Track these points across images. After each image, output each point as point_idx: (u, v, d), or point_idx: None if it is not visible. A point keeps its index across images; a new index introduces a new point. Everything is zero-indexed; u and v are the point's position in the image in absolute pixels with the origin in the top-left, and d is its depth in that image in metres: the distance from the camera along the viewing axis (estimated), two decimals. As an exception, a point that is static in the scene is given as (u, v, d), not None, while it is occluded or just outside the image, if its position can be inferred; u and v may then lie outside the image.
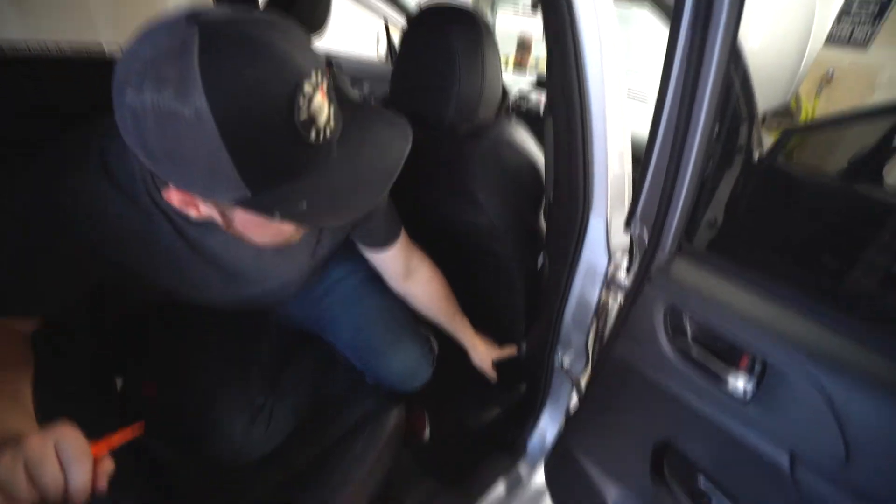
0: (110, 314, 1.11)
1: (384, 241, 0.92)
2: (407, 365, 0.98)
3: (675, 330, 0.63)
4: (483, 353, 1.14)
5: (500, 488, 1.14)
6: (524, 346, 1.28)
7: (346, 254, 1.07)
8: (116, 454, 0.53)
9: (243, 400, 0.89)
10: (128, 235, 0.65)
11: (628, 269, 0.92)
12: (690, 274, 0.63)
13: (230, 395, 0.89)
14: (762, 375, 0.55)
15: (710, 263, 0.63)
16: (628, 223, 0.77)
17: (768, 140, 0.96)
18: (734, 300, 0.58)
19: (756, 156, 0.92)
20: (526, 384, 1.25)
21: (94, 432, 0.50)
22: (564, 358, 1.06)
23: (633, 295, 0.69)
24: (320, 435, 0.96)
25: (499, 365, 1.43)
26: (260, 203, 0.50)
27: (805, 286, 0.56)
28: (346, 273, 1.06)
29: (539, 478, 1.24)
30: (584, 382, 1.03)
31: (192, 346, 0.99)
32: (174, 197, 0.55)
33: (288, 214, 0.51)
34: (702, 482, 0.64)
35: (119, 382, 1.08)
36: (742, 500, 0.61)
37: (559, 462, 0.99)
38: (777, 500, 0.58)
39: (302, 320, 1.06)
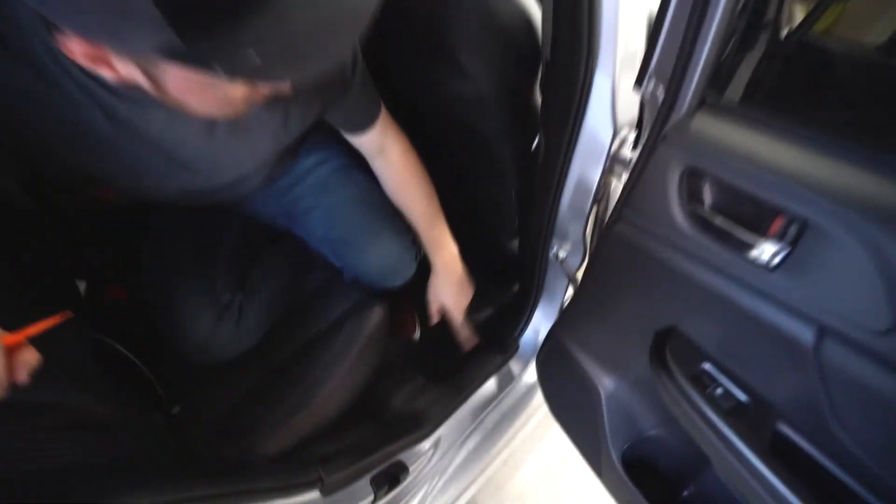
0: (66, 211, 1.01)
1: (364, 123, 0.80)
2: (387, 261, 0.90)
3: (692, 197, 0.54)
4: (444, 288, 0.97)
5: (490, 385, 1.11)
6: (515, 243, 1.21)
7: (317, 141, 0.94)
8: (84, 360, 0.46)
9: (208, 297, 0.82)
10: (35, 113, 0.53)
11: (635, 145, 0.81)
12: (715, 129, 0.52)
13: (194, 292, 0.81)
14: (796, 239, 0.46)
15: (740, 116, 0.52)
16: (640, 80, 0.64)
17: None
18: (770, 154, 0.47)
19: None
20: (519, 281, 1.19)
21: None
22: (560, 251, 0.98)
23: (643, 161, 0.58)
24: (298, 332, 0.90)
25: (491, 261, 1.37)
26: (194, 53, 0.37)
27: (857, 135, 0.46)
28: (318, 162, 0.94)
29: (531, 375, 1.22)
30: (579, 276, 0.95)
31: (154, 245, 0.90)
32: (76, 49, 0.42)
33: (232, 67, 0.38)
34: (707, 367, 0.58)
35: (83, 287, 1.00)
36: (751, 383, 0.55)
37: (551, 357, 0.95)
38: (791, 382, 0.52)
39: (272, 216, 0.96)
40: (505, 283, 1.32)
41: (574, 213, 0.89)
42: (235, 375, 0.86)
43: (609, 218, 0.70)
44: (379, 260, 0.88)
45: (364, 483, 0.83)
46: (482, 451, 1.11)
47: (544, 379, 1.00)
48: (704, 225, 0.53)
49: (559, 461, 1.38)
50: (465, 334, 1.05)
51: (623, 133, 0.78)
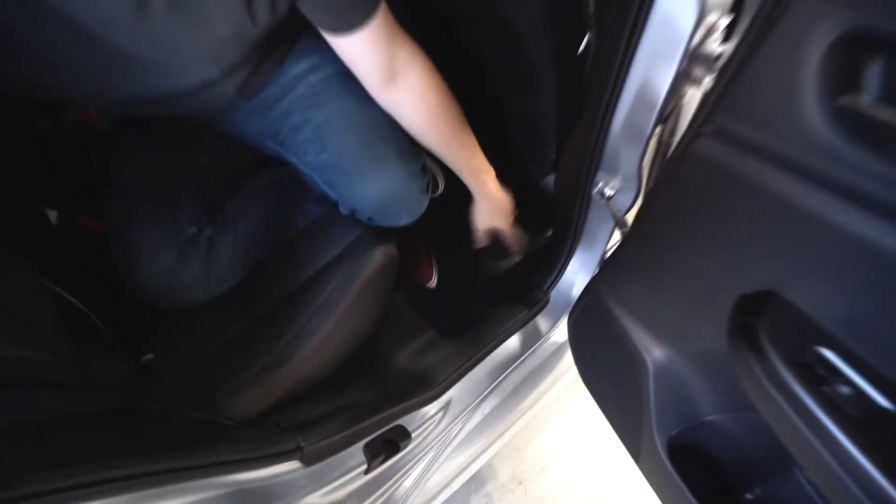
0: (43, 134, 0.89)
1: (350, 21, 0.60)
2: (389, 192, 0.72)
3: (845, 83, 0.33)
4: (490, 216, 0.87)
5: (513, 342, 0.96)
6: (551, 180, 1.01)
7: (309, 45, 0.76)
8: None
9: (169, 230, 0.68)
10: None
11: (728, 34, 0.58)
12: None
13: (152, 224, 0.68)
14: None
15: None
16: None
17: None
18: None
19: None
20: (552, 225, 1.00)
21: None
22: (606, 188, 0.79)
23: (761, 32, 0.37)
24: (285, 275, 0.77)
25: (520, 200, 1.18)
26: None
27: None
28: (308, 69, 0.76)
29: (561, 333, 1.06)
30: (630, 219, 0.76)
31: (119, 169, 0.77)
32: None
33: None
34: (827, 354, 0.39)
35: (53, 215, 0.90)
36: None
37: (587, 316, 0.78)
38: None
39: (258, 137, 0.80)
40: (535, 227, 1.14)
41: (630, 135, 0.69)
42: (209, 324, 0.74)
43: (685, 135, 0.50)
44: (380, 191, 0.71)
45: (356, 450, 0.71)
46: (499, 416, 0.99)
47: (577, 341, 0.83)
48: (863, 129, 0.32)
49: (588, 427, 1.25)
50: (522, 244, 0.95)
51: (711, 18, 0.56)
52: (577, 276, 0.97)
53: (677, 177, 0.54)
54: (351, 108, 0.73)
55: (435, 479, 0.89)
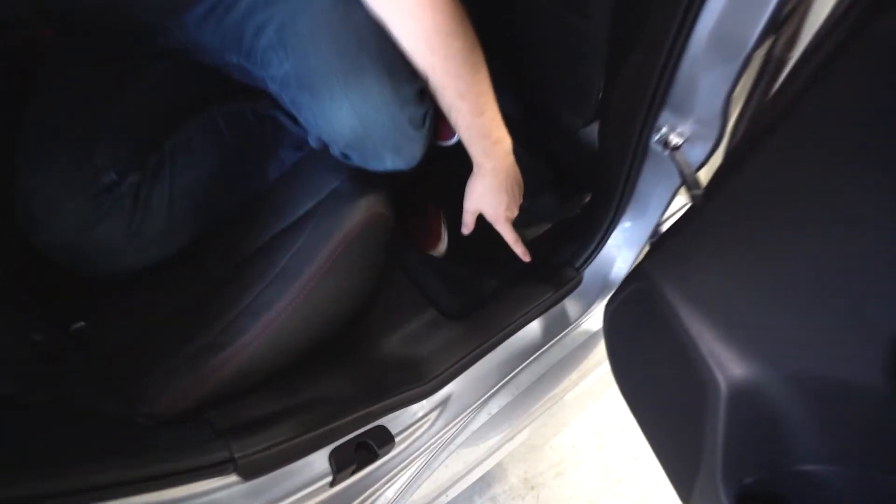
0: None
1: None
2: (365, 118, 0.53)
3: None
4: (488, 196, 0.68)
5: (533, 329, 0.78)
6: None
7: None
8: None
9: (77, 175, 0.52)
10: None
11: None
12: None
13: (56, 167, 0.52)
14: None
15: None
16: None
17: None
18: None
19: None
20: (592, 186, 0.80)
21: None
22: (673, 134, 0.58)
23: None
24: (247, 237, 0.60)
25: (551, 154, 0.98)
26: None
27: None
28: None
29: (593, 321, 0.87)
30: (703, 177, 0.55)
31: (38, 95, 0.60)
32: None
33: None
34: None
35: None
36: None
37: (634, 307, 0.59)
38: None
39: (216, 50, 0.62)
40: (568, 190, 0.94)
41: (718, 53, 0.48)
42: (154, 292, 0.59)
43: (841, 17, 0.29)
44: (353, 116, 0.52)
45: (320, 457, 0.56)
46: (510, 417, 0.82)
47: (616, 339, 0.65)
48: None
49: (616, 429, 1.07)
50: (521, 248, 0.74)
51: None
52: (620, 252, 0.77)
53: (813, 101, 0.33)
54: (324, 4, 0.53)
55: (426, 488, 0.74)
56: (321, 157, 0.66)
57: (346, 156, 0.59)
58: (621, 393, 0.64)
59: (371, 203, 0.60)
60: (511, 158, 0.68)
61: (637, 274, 0.59)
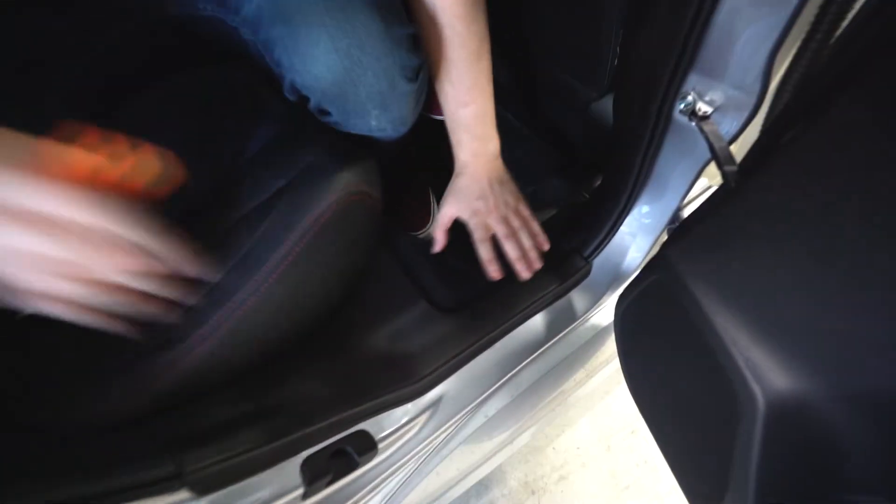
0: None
1: None
2: (347, 58, 0.45)
3: None
4: (467, 200, 0.62)
5: (536, 324, 0.71)
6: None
7: None
8: None
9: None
10: None
11: None
12: None
13: None
14: None
15: None
16: None
17: None
18: None
19: None
20: (606, 164, 0.72)
21: None
22: (701, 102, 0.49)
23: None
24: (210, 219, 0.53)
25: (558, 129, 0.90)
26: None
27: None
28: None
29: (603, 316, 0.80)
30: (737, 152, 0.47)
31: None
32: None
33: None
34: None
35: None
36: None
37: (652, 302, 0.51)
38: None
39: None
40: (578, 171, 0.86)
41: (763, 1, 0.40)
42: None
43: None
44: (332, 55, 0.44)
45: (291, 466, 0.50)
46: (508, 420, 0.75)
47: (630, 335, 0.57)
48: None
49: (625, 431, 1.00)
50: (495, 268, 0.62)
51: None
52: (634, 239, 0.69)
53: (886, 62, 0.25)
54: None
55: (414, 497, 0.67)
56: (300, 129, 0.58)
57: (323, 111, 0.52)
58: (634, 399, 0.57)
59: (350, 180, 0.52)
60: (496, 163, 0.62)
61: (656, 264, 0.51)
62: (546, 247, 0.64)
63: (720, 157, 0.46)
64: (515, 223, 0.62)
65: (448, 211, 0.63)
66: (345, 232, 0.53)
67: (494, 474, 0.91)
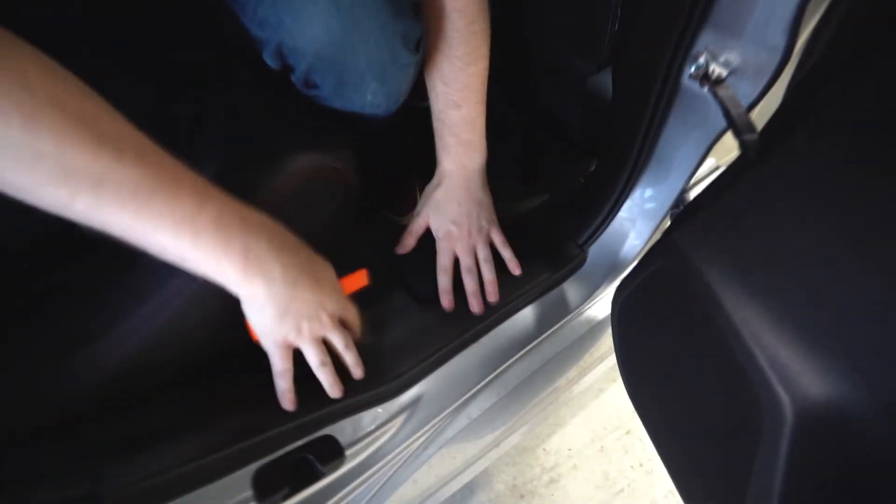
0: None
1: None
2: (346, 14, 0.39)
3: None
4: (447, 206, 0.59)
5: (525, 317, 0.65)
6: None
7: None
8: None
9: None
10: None
11: None
12: None
13: None
14: None
15: None
16: None
17: None
18: None
19: None
20: (601, 142, 0.66)
21: None
22: (715, 63, 0.43)
23: None
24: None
25: (549, 106, 0.84)
26: None
27: None
28: None
29: (598, 309, 0.74)
30: (756, 119, 0.41)
31: None
32: None
33: None
34: None
35: None
36: None
37: (655, 293, 0.45)
38: None
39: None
40: (573, 153, 0.80)
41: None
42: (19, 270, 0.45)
43: None
44: (335, 12, 0.37)
45: (241, 478, 0.43)
46: (494, 421, 0.69)
47: (629, 330, 0.51)
48: None
49: (620, 431, 0.94)
50: (447, 300, 0.58)
51: None
52: (633, 225, 0.63)
53: None
54: None
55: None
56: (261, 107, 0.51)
57: (310, 84, 0.45)
58: (632, 400, 0.51)
59: (317, 154, 0.46)
60: (478, 180, 0.59)
61: (661, 250, 0.45)
62: (517, 272, 0.60)
63: (738, 125, 0.39)
64: (482, 253, 0.58)
65: (421, 223, 0.60)
66: (308, 213, 0.47)
67: (480, 477, 0.86)
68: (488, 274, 0.58)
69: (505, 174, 0.69)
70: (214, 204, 0.33)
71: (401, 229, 0.68)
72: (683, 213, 0.46)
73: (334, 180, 0.50)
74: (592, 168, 0.79)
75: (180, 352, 0.41)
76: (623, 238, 0.64)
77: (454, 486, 0.72)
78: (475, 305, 0.57)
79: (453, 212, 0.58)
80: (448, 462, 0.66)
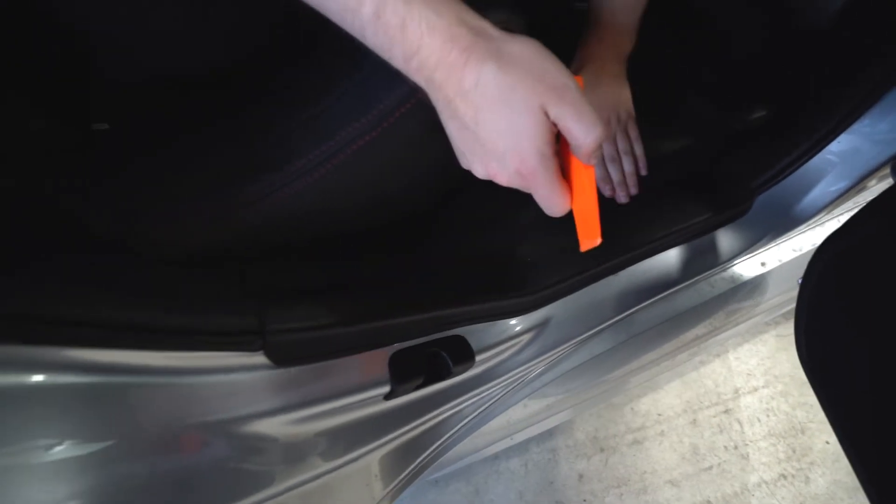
0: None
1: None
2: None
3: None
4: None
5: (669, 258, 0.58)
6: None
7: None
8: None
9: None
10: None
11: None
12: None
13: None
14: None
15: None
16: None
17: None
18: None
19: None
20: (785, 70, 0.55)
21: None
22: None
23: None
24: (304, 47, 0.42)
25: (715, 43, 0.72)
26: None
27: None
28: None
29: (748, 267, 0.66)
30: None
31: None
32: None
33: None
34: None
35: None
36: None
37: (881, 260, 0.37)
38: None
39: None
40: (732, 93, 0.69)
41: None
42: (198, 99, 0.43)
43: None
44: None
45: (377, 359, 0.41)
46: (612, 363, 0.64)
47: (833, 303, 0.43)
48: None
49: (718, 409, 0.87)
50: (608, 188, 0.54)
51: None
52: (834, 168, 0.53)
53: None
54: None
55: (493, 423, 0.58)
56: None
57: None
58: (812, 381, 0.43)
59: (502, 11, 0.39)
60: (620, 68, 0.54)
61: (878, 212, 0.36)
62: (644, 172, 0.55)
63: None
64: (622, 145, 0.54)
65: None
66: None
67: (560, 423, 0.82)
68: (628, 166, 0.54)
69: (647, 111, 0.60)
70: None
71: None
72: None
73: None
74: (757, 116, 0.67)
75: (333, 208, 0.38)
76: (811, 184, 0.55)
77: (543, 427, 0.68)
78: (622, 196, 0.54)
79: (600, 100, 0.53)
80: (556, 395, 0.62)
